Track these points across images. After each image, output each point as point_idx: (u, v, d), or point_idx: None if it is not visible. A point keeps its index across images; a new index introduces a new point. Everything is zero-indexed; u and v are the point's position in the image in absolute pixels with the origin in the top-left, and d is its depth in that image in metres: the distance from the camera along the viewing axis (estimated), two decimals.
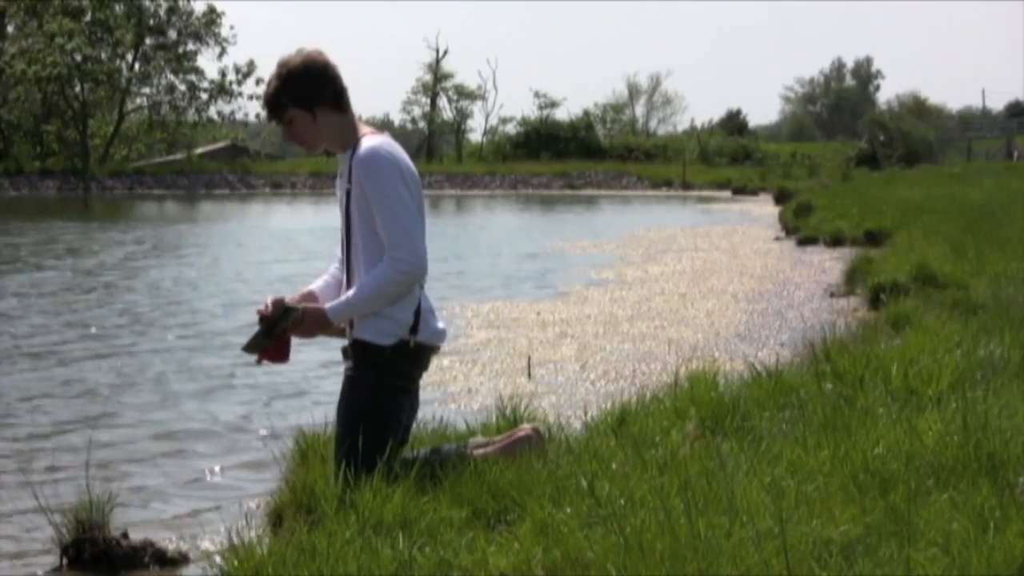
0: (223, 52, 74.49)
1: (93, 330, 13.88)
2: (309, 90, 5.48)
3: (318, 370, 10.65)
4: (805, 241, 24.41)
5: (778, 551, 3.71)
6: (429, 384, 10.00)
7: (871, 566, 3.73)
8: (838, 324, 10.38)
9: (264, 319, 5.54)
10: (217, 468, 7.83)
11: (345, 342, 5.62)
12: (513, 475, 4.96)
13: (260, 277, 20.26)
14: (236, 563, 4.45)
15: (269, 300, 5.55)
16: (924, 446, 4.88)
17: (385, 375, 5.43)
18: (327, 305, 5.49)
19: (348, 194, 5.51)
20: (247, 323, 13.94)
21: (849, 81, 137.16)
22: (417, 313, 5.49)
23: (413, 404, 5.74)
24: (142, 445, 8.45)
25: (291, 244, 28.14)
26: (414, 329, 5.46)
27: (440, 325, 5.69)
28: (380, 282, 5.36)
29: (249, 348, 5.67)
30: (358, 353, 5.50)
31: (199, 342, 13.21)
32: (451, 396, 9.57)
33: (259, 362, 5.71)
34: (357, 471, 5.18)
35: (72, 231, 31.97)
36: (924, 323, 8.87)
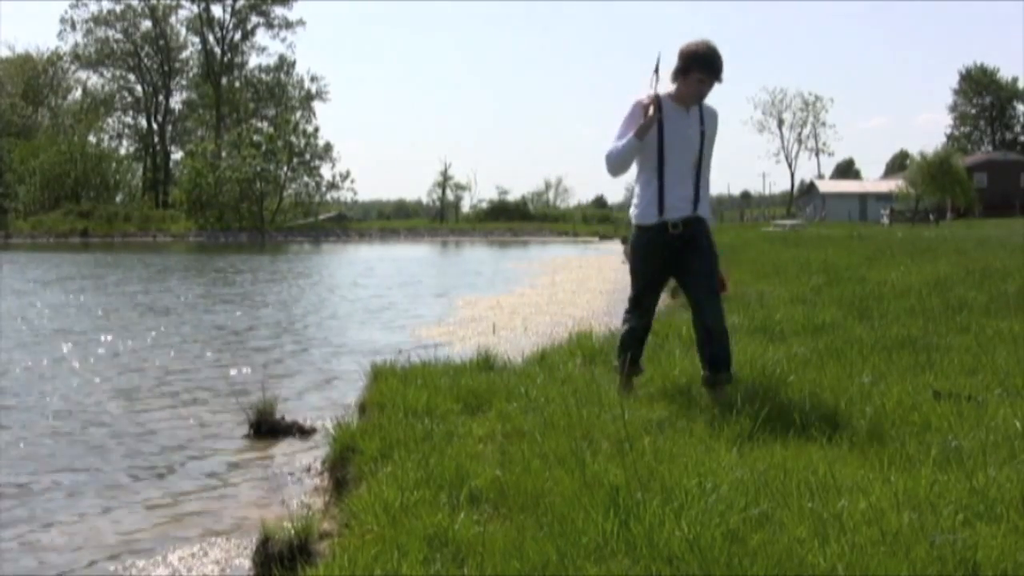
0: (333, 164, 74.97)
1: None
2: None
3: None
4: None
5: (623, 424, 3.70)
6: (438, 337, 9.95)
7: (671, 432, 3.72)
8: None
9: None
10: (332, 380, 7.75)
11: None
12: (485, 385, 4.90)
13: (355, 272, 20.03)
14: (339, 431, 4.40)
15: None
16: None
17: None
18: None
19: (702, 134, 4.43)
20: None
21: None
22: None
23: None
24: (292, 365, 8.35)
25: (365, 263, 27.85)
26: None
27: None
28: None
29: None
30: (702, 224, 4.65)
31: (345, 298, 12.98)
32: (450, 343, 9.50)
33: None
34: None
35: (256, 260, 31.58)
36: None
